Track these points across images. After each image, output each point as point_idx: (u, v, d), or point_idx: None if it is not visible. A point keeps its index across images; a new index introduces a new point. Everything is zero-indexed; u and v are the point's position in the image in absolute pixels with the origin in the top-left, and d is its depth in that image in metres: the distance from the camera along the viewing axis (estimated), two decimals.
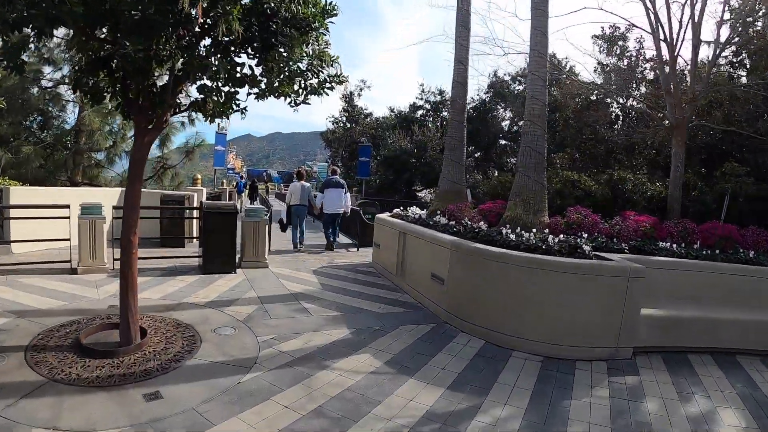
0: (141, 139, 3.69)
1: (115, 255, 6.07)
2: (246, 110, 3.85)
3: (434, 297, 5.49)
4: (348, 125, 23.18)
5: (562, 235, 5.08)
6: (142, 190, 4.07)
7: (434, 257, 5.57)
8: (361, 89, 23.48)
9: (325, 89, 3.75)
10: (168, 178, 12.45)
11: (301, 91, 3.72)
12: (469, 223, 5.89)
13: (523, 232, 5.10)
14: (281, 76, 3.51)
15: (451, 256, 5.14)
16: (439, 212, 6.95)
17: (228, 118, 5.59)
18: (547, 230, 5.18)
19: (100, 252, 6.22)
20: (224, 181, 27.70)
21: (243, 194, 23.66)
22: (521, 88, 20.33)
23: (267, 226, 7.42)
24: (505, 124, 21.40)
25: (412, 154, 18.45)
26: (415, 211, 7.97)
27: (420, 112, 23.62)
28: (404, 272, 6.67)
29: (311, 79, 3.66)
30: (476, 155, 20.97)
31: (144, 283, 5.68)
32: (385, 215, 8.20)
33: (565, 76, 13.10)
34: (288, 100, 3.73)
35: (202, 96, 3.55)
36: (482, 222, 5.93)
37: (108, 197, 8.60)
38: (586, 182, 8.19)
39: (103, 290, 5.46)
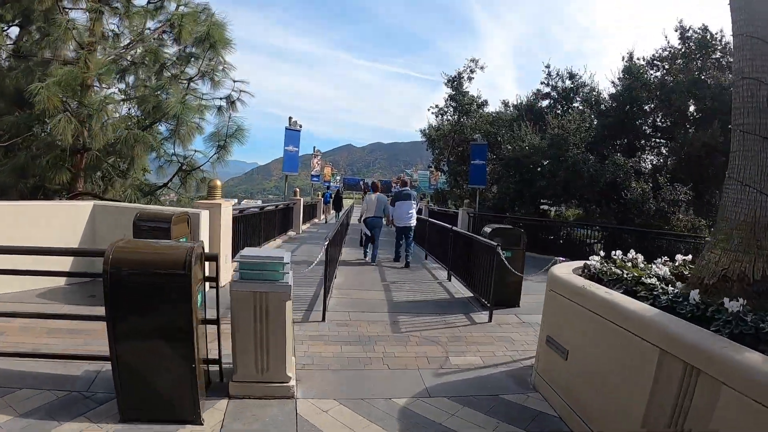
0: None
1: None
2: None
3: None
4: (456, 117, 18.52)
5: None
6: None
7: None
8: (472, 71, 18.24)
9: None
10: (193, 184, 8.87)
11: None
12: None
13: None
14: None
15: None
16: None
17: None
18: None
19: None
20: (320, 193, 24.84)
21: (329, 205, 22.11)
22: (659, 74, 14.25)
23: (289, 301, 3.09)
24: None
25: (546, 154, 13.20)
26: (657, 272, 3.17)
27: (546, 102, 18.06)
28: None
29: None
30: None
31: None
32: (581, 281, 3.40)
33: None
34: None
35: None
36: None
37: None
38: None
39: None
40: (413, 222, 9.02)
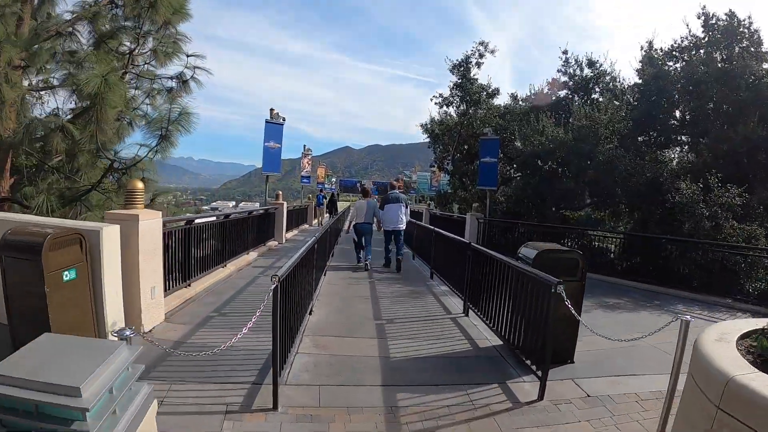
0: None
1: None
2: None
3: None
4: (463, 108, 16.28)
5: None
6: None
7: None
8: (480, 55, 15.71)
9: None
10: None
11: None
12: None
13: None
14: None
15: None
16: None
17: None
18: None
19: None
20: (309, 196, 22.91)
21: (323, 208, 20.92)
22: (679, 65, 12.44)
23: None
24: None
25: (571, 150, 11.21)
26: None
27: (562, 93, 16.06)
28: None
29: None
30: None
31: None
32: None
33: None
34: None
35: None
36: None
37: None
38: None
39: None
40: (402, 226, 8.82)
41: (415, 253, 10.91)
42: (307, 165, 20.40)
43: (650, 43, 13.38)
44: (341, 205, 25.91)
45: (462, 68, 15.22)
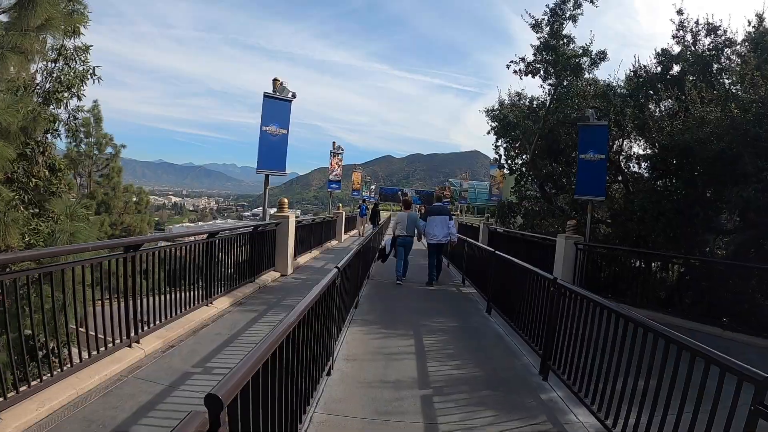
0: None
1: None
2: None
3: None
4: (552, 83, 11.25)
5: None
6: None
7: None
8: (577, 3, 10.58)
9: None
10: None
11: None
12: None
13: None
14: None
15: None
16: None
17: None
18: None
19: None
20: (339, 205, 19.27)
21: (365, 218, 20.72)
22: None
23: None
24: None
25: (749, 138, 6.78)
26: None
27: (677, 67, 11.20)
28: None
29: None
30: None
31: None
32: None
33: None
34: None
35: None
36: None
37: None
38: None
39: None
40: (445, 240, 8.59)
41: (467, 277, 9.01)
42: (336, 166, 16.52)
43: (760, 16, 9.37)
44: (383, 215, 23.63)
45: (554, 20, 10.47)
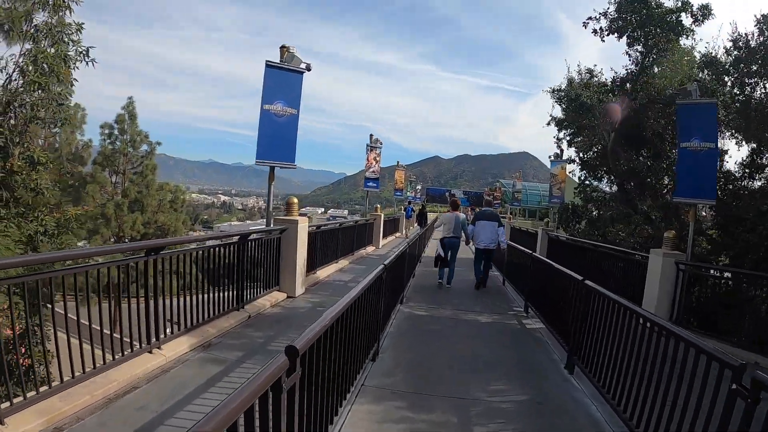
0: None
1: None
2: None
3: None
4: (638, 50, 8.57)
5: None
6: None
7: None
8: None
9: None
10: None
11: None
12: None
13: None
14: None
15: None
16: None
17: None
18: None
19: None
20: (377, 206, 17.43)
21: (411, 220, 21.08)
22: None
23: None
24: None
25: None
26: None
27: None
28: None
29: None
30: None
31: None
32: None
33: None
34: None
35: None
36: None
37: None
38: None
39: None
40: (493, 246, 8.35)
41: (530, 304, 6.83)
42: (373, 162, 14.61)
43: None
44: (429, 217, 23.47)
45: None
